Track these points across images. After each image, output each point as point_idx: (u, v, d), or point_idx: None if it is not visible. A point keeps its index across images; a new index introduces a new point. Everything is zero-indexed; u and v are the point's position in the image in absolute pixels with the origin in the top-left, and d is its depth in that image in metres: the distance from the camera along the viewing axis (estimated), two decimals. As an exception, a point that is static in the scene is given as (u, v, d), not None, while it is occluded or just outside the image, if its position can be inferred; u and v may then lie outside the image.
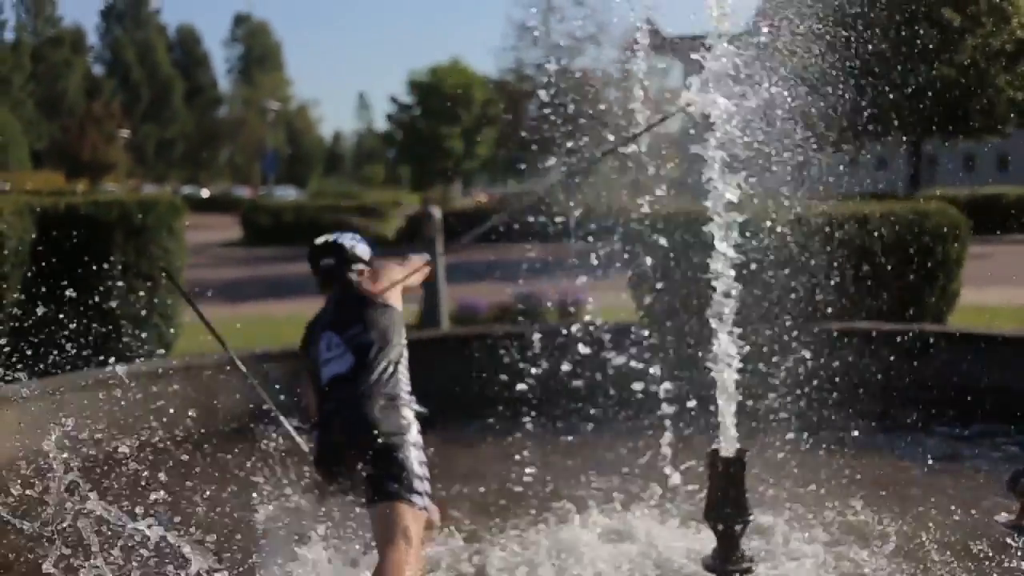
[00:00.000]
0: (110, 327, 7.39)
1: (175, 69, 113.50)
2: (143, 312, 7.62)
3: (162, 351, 7.83)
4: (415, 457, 3.75)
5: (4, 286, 7.00)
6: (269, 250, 29.19)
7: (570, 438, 6.03)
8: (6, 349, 6.80)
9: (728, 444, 3.63)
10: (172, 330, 7.96)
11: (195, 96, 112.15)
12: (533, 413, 6.04)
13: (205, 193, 73.15)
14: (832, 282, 6.76)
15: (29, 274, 7.21)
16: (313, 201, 44.68)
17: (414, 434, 3.82)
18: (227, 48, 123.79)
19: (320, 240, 4.36)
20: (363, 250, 4.32)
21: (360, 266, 4.26)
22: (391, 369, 3.91)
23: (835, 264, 6.79)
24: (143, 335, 7.62)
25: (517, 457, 5.44)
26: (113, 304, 7.43)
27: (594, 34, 42.51)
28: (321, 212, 34.66)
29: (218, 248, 28.88)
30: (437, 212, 10.86)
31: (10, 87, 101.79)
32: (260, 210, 36.83)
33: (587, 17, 41.59)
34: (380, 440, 3.69)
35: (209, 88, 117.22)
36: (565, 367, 6.24)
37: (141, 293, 7.56)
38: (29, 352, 7.24)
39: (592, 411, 6.32)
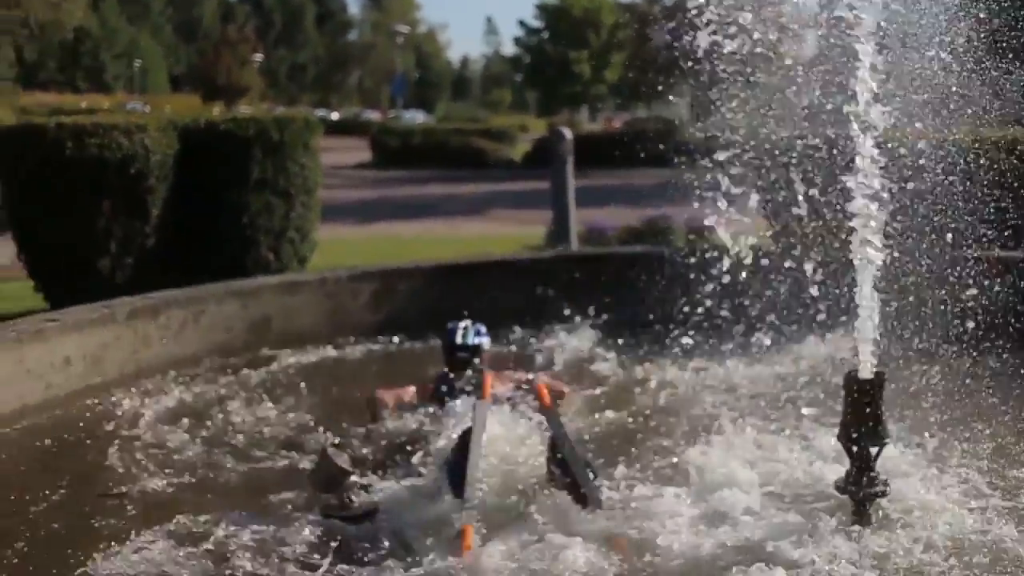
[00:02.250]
0: (248, 241, 7.65)
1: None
2: (279, 227, 7.82)
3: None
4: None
5: (149, 199, 7.27)
6: (398, 172, 29.58)
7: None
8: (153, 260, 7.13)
9: (865, 365, 3.53)
10: (306, 245, 8.16)
11: (326, 21, 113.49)
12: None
13: (335, 116, 74.27)
14: (988, 209, 6.43)
15: (172, 188, 7.46)
16: (441, 125, 44.93)
17: None
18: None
19: (460, 333, 4.80)
20: (487, 343, 4.84)
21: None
22: None
23: (990, 191, 6.44)
24: (280, 249, 7.84)
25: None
26: (250, 219, 7.66)
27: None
28: (448, 135, 34.88)
29: (349, 170, 29.38)
30: (568, 133, 10.80)
31: (149, 12, 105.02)
32: (389, 133, 37.27)
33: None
34: None
35: (339, 12, 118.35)
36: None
37: (278, 209, 7.76)
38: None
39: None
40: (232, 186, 7.54)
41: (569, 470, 3.57)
